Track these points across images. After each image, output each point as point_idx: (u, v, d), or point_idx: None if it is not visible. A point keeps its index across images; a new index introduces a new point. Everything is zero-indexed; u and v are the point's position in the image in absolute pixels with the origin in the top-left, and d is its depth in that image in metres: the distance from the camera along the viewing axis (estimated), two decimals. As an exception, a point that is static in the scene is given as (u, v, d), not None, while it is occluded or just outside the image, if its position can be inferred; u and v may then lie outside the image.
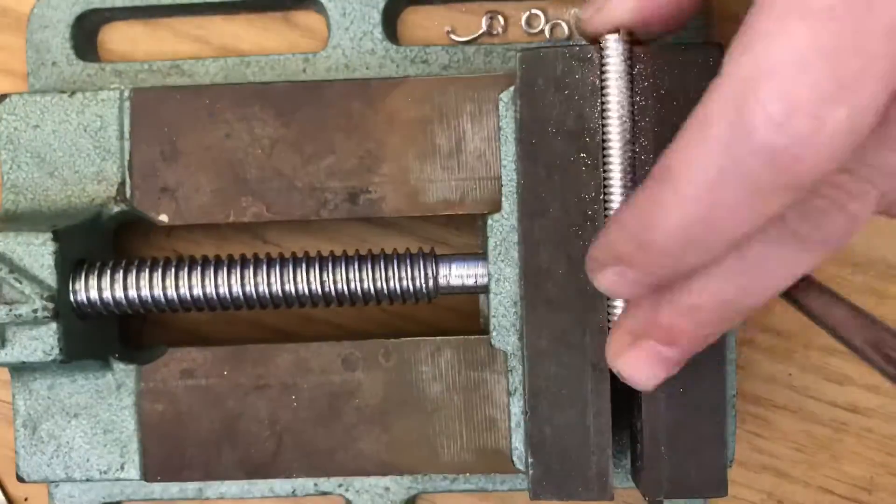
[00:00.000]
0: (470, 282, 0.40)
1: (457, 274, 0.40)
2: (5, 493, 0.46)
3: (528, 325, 0.37)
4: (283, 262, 0.40)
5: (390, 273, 0.40)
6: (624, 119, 0.36)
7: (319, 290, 0.40)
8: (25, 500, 0.46)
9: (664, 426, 0.37)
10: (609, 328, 0.37)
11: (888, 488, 0.45)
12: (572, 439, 0.37)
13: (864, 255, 0.44)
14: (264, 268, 0.40)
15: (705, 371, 0.37)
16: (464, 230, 0.45)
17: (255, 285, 0.40)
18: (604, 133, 0.36)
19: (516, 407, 0.40)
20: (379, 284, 0.40)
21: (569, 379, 0.37)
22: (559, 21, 0.45)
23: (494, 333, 0.39)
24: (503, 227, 0.39)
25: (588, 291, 0.37)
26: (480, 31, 0.45)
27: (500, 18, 0.45)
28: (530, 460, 0.38)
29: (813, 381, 0.45)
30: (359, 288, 0.40)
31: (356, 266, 0.40)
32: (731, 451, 0.40)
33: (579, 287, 0.37)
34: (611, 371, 0.37)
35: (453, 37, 0.45)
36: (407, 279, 0.40)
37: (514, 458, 0.40)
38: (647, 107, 0.36)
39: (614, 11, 0.34)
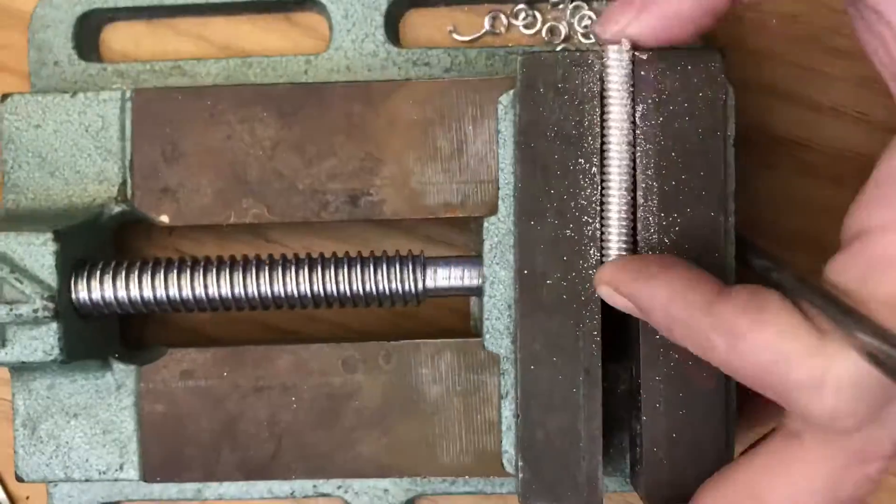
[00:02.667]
0: (457, 284, 0.40)
1: (443, 277, 0.40)
2: (6, 492, 0.46)
3: (522, 329, 0.37)
4: (273, 263, 0.40)
5: (379, 276, 0.40)
6: (624, 125, 0.36)
7: (309, 292, 0.40)
8: (27, 498, 0.46)
9: (664, 430, 0.37)
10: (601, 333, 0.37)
11: (888, 489, 0.45)
12: (563, 444, 0.37)
13: None
14: (260, 269, 0.40)
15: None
16: (467, 230, 0.45)
17: (251, 286, 0.40)
18: (603, 138, 0.36)
19: (507, 410, 0.39)
20: (368, 287, 0.40)
21: (561, 383, 0.37)
22: (556, 24, 0.45)
23: (488, 336, 0.39)
24: (499, 230, 0.39)
25: (582, 297, 0.37)
26: (483, 31, 0.45)
27: (503, 18, 0.45)
28: (520, 464, 0.37)
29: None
30: (348, 290, 0.40)
31: (345, 268, 0.40)
32: (733, 455, 0.39)
33: (574, 292, 0.37)
34: (603, 376, 0.37)
35: (456, 36, 0.45)
36: (395, 282, 0.40)
37: (504, 461, 0.40)
38: (647, 112, 0.36)
39: (627, 28, 0.35)
